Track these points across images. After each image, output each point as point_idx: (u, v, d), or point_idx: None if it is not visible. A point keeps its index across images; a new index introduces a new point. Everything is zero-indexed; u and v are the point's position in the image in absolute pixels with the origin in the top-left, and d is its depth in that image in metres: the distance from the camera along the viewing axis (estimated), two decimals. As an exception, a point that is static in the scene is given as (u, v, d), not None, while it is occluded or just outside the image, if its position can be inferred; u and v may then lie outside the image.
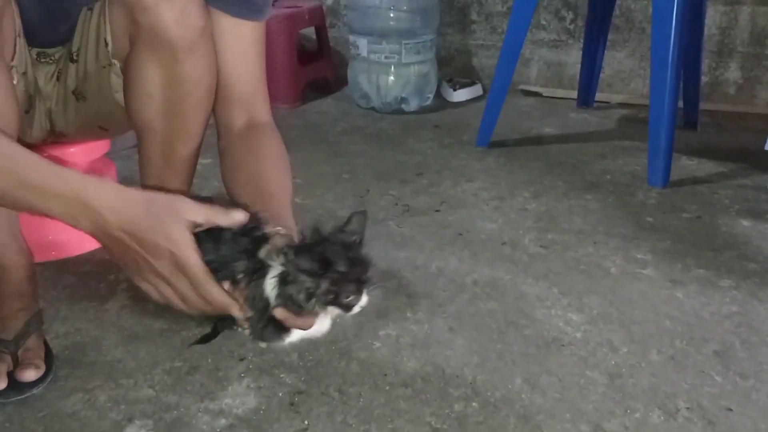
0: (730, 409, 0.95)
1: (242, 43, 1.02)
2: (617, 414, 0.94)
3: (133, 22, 0.93)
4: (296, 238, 0.80)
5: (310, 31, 2.45)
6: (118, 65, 1.01)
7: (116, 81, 1.02)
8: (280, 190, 0.95)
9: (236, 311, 0.77)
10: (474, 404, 0.95)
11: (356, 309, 0.78)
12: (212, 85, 1.01)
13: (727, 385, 0.99)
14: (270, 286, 0.76)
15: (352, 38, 2.26)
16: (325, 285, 0.75)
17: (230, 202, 0.89)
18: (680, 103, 1.89)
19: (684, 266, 1.33)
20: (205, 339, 0.93)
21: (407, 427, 0.91)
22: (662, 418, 0.93)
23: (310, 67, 2.32)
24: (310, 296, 0.75)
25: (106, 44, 1.00)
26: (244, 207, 0.80)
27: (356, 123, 2.17)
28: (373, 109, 2.27)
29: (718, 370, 1.02)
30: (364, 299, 0.78)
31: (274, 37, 2.14)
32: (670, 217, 1.54)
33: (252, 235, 0.79)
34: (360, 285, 0.77)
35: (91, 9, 1.00)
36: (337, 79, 2.47)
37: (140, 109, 1.00)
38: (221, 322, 0.86)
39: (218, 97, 1.02)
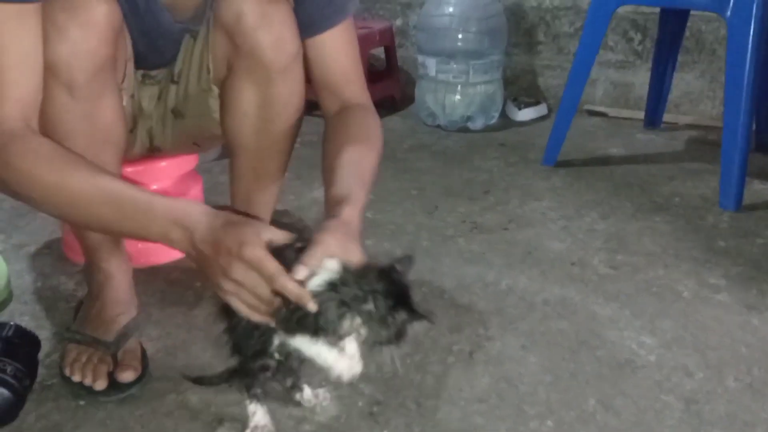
0: (811, 439, 0.94)
1: (333, 43, 1.06)
2: (694, 438, 0.94)
3: (233, 48, 1.00)
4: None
5: (378, 51, 2.51)
6: (216, 91, 1.08)
7: (213, 103, 1.10)
8: (347, 167, 0.93)
9: (310, 304, 0.78)
10: (549, 423, 0.97)
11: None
12: (301, 106, 1.07)
13: (808, 415, 0.99)
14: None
15: (420, 58, 2.31)
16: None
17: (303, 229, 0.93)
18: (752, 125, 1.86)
19: (759, 292, 1.31)
20: (210, 381, 0.98)
21: (484, 441, 0.93)
22: (740, 444, 0.93)
23: (379, 85, 2.38)
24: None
25: (209, 71, 1.07)
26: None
27: (423, 140, 2.21)
28: (439, 126, 2.31)
29: (798, 399, 1.02)
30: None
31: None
32: (744, 242, 1.53)
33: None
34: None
35: (194, 37, 1.08)
36: (404, 97, 2.53)
37: (235, 128, 1.07)
38: (240, 374, 0.91)
39: (315, 83, 1.07)
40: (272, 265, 0.78)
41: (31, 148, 0.83)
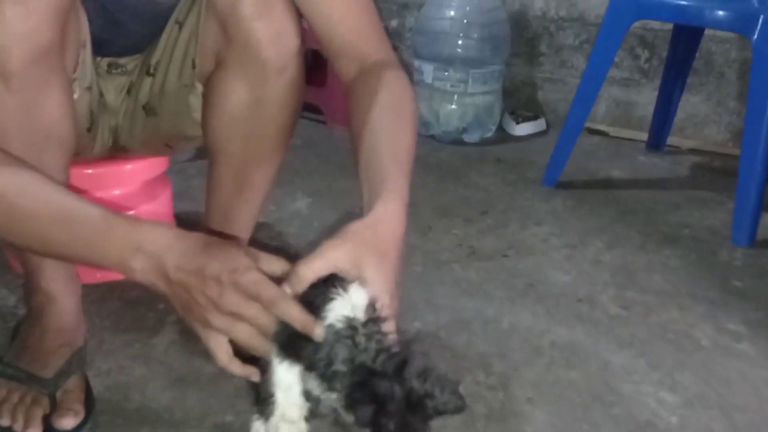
0: None
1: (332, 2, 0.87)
2: None
3: (225, 39, 0.86)
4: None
5: (371, 52, 2.37)
6: (200, 87, 0.93)
7: (194, 101, 0.95)
8: (380, 152, 0.77)
9: (318, 331, 0.64)
10: (563, 498, 0.83)
11: None
12: (298, 110, 0.93)
13: None
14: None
15: (417, 63, 2.17)
16: None
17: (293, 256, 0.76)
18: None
19: (784, 344, 1.20)
20: None
21: None
22: None
23: (369, 89, 2.23)
24: None
25: (194, 65, 0.92)
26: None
27: (416, 151, 2.07)
28: (432, 137, 2.17)
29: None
30: None
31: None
32: (761, 283, 1.41)
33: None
34: None
35: (180, 24, 0.93)
36: (396, 103, 2.38)
37: (219, 131, 0.92)
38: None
39: (327, 53, 0.89)
40: (273, 289, 0.65)
41: None
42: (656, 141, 2.19)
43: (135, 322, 1.11)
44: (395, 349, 0.63)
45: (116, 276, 1.17)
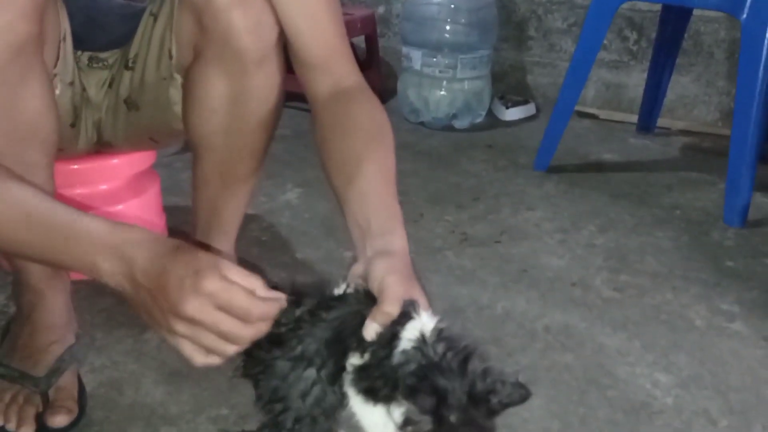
0: None
1: (309, 8, 0.86)
2: (728, 505, 0.82)
3: (201, 30, 0.84)
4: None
5: (359, 40, 2.35)
6: (179, 79, 0.91)
7: (175, 94, 0.93)
8: (373, 182, 0.78)
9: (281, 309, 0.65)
10: (561, 482, 0.84)
11: None
12: (279, 104, 0.91)
13: None
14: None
15: (405, 50, 2.15)
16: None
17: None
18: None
19: (777, 322, 1.20)
20: None
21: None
22: None
23: (358, 77, 2.22)
24: None
25: (171, 56, 0.90)
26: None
27: (405, 139, 2.05)
28: (422, 124, 2.16)
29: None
30: None
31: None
32: (753, 263, 1.41)
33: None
34: None
35: (154, 16, 0.91)
36: (385, 91, 2.36)
37: (200, 125, 0.91)
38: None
39: (297, 63, 0.88)
40: (235, 290, 0.62)
41: None
42: (646, 123, 2.18)
43: (127, 318, 1.10)
44: (460, 350, 0.64)
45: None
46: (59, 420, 0.84)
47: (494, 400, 0.63)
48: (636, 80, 2.26)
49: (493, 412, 0.63)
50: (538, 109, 2.33)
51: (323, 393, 0.69)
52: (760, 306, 1.25)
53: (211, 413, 0.91)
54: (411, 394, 0.62)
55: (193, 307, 0.62)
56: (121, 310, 1.12)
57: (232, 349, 0.65)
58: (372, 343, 0.65)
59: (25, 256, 0.72)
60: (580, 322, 1.18)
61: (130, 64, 0.96)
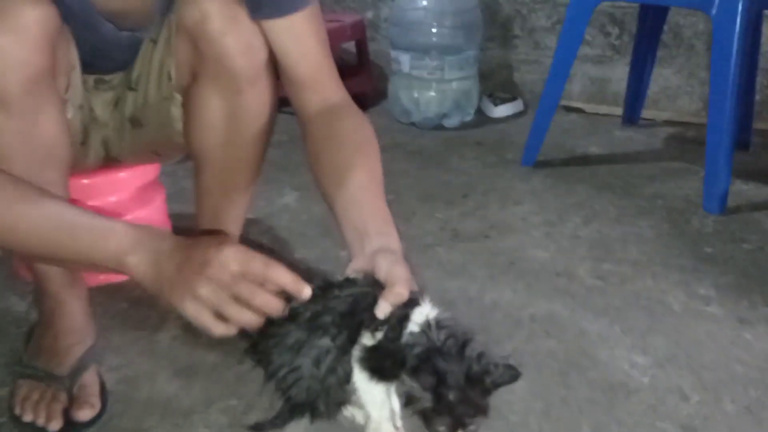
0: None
1: (295, 32, 0.94)
2: (695, 471, 0.89)
3: (197, 54, 0.91)
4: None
5: (349, 45, 2.42)
6: (179, 98, 0.98)
7: (176, 112, 1.00)
8: (365, 190, 0.87)
9: (306, 291, 0.73)
10: (543, 456, 0.91)
11: None
12: (273, 118, 0.99)
13: (810, 442, 0.94)
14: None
15: (393, 53, 2.23)
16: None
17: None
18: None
19: (750, 303, 1.27)
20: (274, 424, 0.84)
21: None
22: (744, 477, 0.88)
23: (350, 81, 2.26)
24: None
25: (170, 78, 0.98)
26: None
27: (397, 139, 2.13)
28: (413, 124, 2.24)
29: (799, 424, 0.97)
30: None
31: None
32: (731, 248, 1.49)
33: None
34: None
35: (154, 41, 0.98)
36: (376, 94, 2.44)
37: (200, 140, 0.98)
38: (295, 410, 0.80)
39: (286, 82, 0.96)
40: (260, 259, 0.71)
41: None
42: (631, 115, 2.26)
43: (140, 320, 1.18)
44: (459, 336, 0.73)
45: (119, 277, 1.26)
46: (84, 414, 0.92)
47: (488, 380, 0.72)
48: (620, 74, 2.33)
49: (487, 391, 0.72)
50: (526, 106, 2.41)
51: (336, 362, 0.76)
52: (736, 289, 1.32)
53: (221, 404, 0.99)
54: (414, 373, 0.71)
55: (217, 264, 0.70)
56: (134, 313, 1.20)
57: (248, 317, 0.71)
58: (384, 322, 0.73)
59: (60, 259, 0.80)
60: (564, 309, 1.25)
61: (133, 85, 1.03)
